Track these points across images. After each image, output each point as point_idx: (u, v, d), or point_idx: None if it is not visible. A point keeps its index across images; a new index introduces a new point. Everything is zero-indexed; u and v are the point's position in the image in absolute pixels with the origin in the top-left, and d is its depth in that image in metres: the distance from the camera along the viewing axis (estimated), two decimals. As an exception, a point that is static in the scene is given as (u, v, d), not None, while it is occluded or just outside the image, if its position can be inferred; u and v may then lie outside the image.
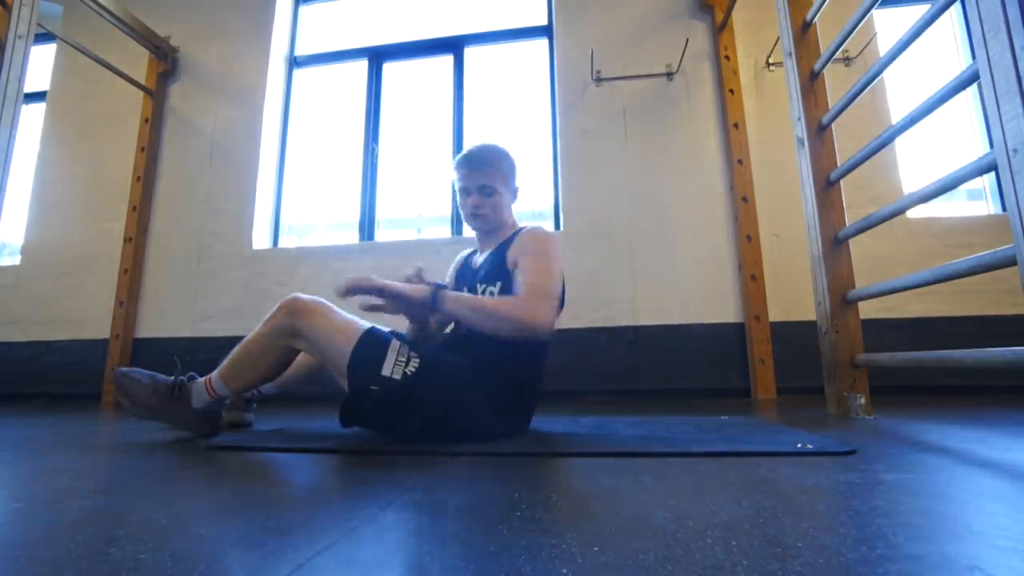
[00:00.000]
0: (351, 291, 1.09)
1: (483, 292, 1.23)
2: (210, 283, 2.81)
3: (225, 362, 1.20)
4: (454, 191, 1.35)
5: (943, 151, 2.57)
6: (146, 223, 2.94)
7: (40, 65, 3.22)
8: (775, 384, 2.25)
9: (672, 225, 2.52)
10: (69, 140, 3.14)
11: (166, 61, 3.07)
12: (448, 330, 1.39)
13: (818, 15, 1.67)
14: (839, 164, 1.59)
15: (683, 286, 2.44)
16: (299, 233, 3.10)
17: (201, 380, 1.21)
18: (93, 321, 2.85)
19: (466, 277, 1.37)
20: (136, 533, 0.51)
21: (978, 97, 2.48)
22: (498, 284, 1.22)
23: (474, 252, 1.44)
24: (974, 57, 1.03)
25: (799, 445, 0.94)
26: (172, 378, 1.20)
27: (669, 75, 2.65)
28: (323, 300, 1.15)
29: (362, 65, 3.17)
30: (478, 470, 0.81)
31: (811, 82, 1.68)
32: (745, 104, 2.56)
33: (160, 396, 1.17)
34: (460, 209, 1.33)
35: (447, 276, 1.46)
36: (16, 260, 3.08)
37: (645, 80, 2.67)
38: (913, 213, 2.34)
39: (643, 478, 0.74)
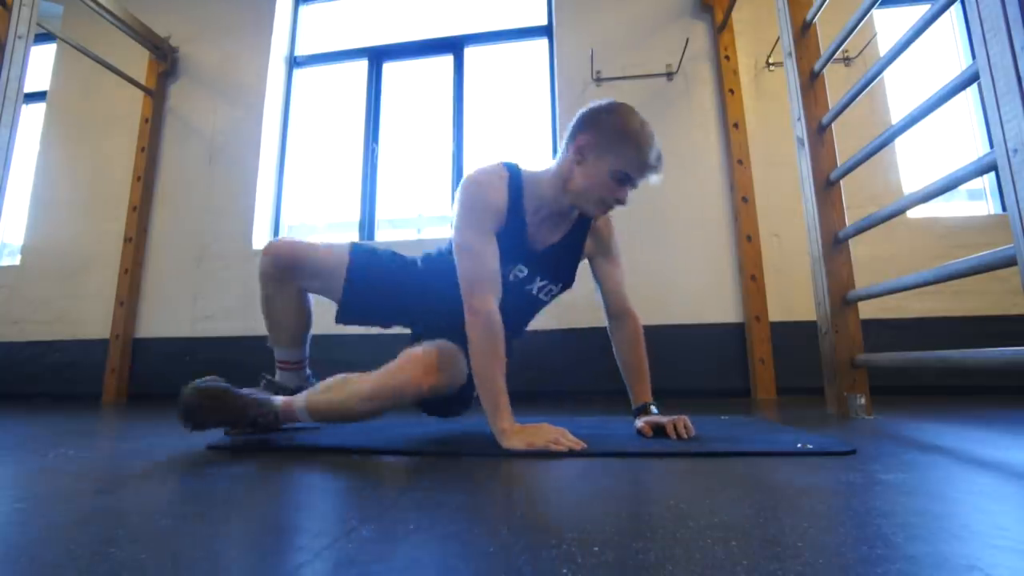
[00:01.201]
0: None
1: (542, 289, 1.14)
2: (210, 283, 2.81)
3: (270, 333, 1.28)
4: (608, 175, 1.04)
5: (943, 151, 2.57)
6: (146, 223, 2.93)
7: (40, 65, 3.22)
8: (775, 384, 2.25)
9: (672, 225, 2.52)
10: (69, 140, 3.14)
11: (166, 61, 3.07)
12: None
13: (818, 15, 1.67)
14: (839, 164, 1.59)
15: (683, 286, 2.44)
16: (299, 233, 3.10)
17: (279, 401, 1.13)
18: (93, 321, 2.85)
19: (519, 252, 1.11)
20: (136, 533, 0.51)
21: (978, 97, 2.48)
22: (560, 285, 1.17)
23: (519, 204, 1.09)
24: (974, 57, 1.03)
25: (799, 445, 0.94)
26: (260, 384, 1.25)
27: (669, 75, 2.65)
28: (289, 237, 1.22)
29: (362, 65, 3.17)
30: (478, 470, 0.81)
31: (811, 82, 1.68)
32: (745, 104, 2.56)
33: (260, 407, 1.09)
34: (599, 189, 1.05)
35: (481, 220, 1.06)
36: (16, 260, 3.09)
37: (645, 80, 2.67)
38: (913, 213, 2.34)
39: (643, 478, 0.74)
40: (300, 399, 1.09)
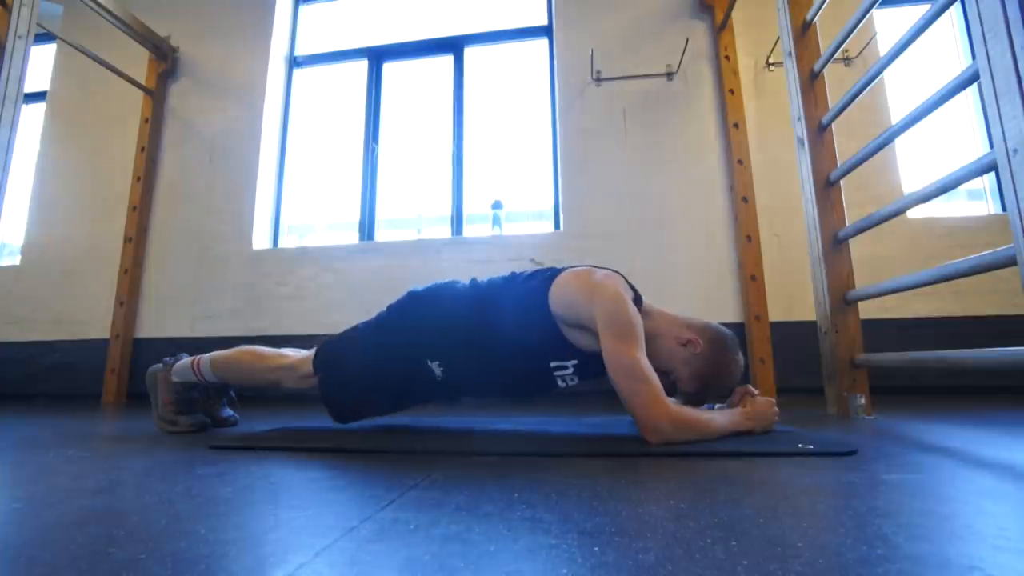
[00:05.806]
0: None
1: (565, 378, 1.33)
2: (210, 283, 2.81)
3: (222, 355, 1.33)
4: (685, 373, 1.16)
5: (943, 151, 2.57)
6: (146, 223, 2.93)
7: (40, 65, 3.22)
8: (775, 384, 2.24)
9: (672, 225, 2.52)
10: (69, 140, 3.14)
11: (166, 61, 3.07)
12: None
13: (818, 15, 1.67)
14: (839, 164, 1.59)
15: (683, 286, 2.44)
16: (299, 233, 3.10)
17: (188, 359, 1.35)
18: (93, 321, 2.85)
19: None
20: (136, 533, 0.51)
21: (978, 97, 2.48)
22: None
23: None
24: (974, 57, 1.03)
25: (799, 445, 0.94)
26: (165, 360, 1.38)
27: (669, 75, 2.65)
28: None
29: (362, 65, 3.17)
30: (478, 470, 0.81)
31: (811, 82, 1.68)
32: (745, 104, 2.55)
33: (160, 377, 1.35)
34: (664, 370, 1.16)
35: (642, 340, 1.07)
36: (16, 260, 3.08)
37: (645, 80, 2.67)
38: (913, 213, 2.34)
39: (643, 478, 0.74)
40: (206, 358, 1.33)
